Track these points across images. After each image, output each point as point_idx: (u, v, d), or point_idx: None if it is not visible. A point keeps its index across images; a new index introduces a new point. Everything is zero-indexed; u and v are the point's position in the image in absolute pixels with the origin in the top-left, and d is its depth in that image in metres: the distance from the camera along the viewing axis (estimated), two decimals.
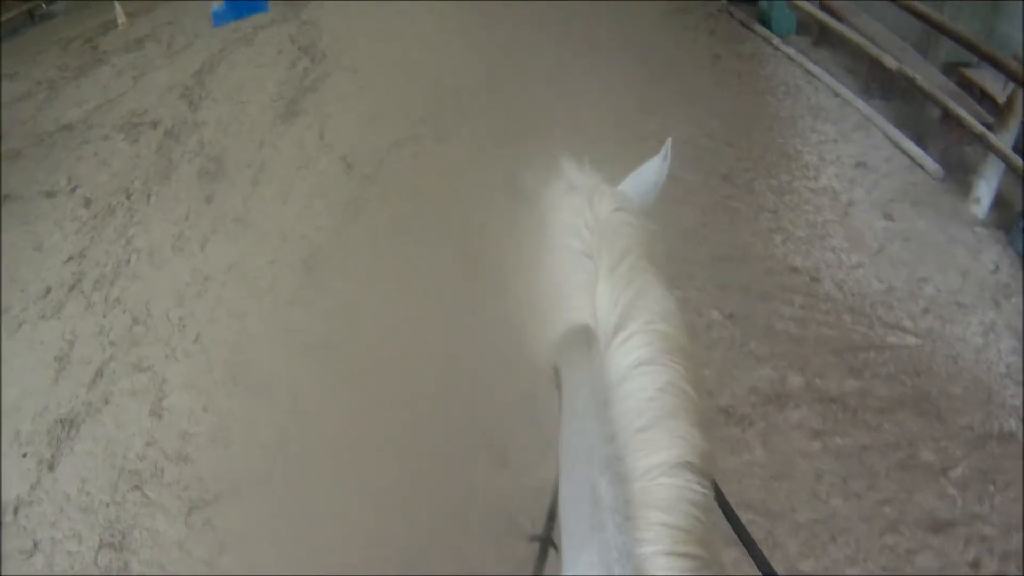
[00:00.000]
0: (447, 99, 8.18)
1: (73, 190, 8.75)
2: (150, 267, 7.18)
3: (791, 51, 8.94)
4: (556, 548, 2.00)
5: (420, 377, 5.18)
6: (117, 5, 13.69)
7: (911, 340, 5.46)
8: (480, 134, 7.35)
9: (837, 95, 8.07)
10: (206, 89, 10.03)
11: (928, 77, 7.17)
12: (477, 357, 4.96)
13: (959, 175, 6.78)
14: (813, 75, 8.45)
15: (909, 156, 7.13)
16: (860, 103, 7.80)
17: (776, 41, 9.21)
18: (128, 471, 5.38)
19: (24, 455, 5.65)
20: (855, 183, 6.94)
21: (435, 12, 10.72)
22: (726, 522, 1.80)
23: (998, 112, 6.37)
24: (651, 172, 1.98)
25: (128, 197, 8.26)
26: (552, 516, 2.17)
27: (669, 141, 1.98)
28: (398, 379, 5.23)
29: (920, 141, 7.24)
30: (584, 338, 1.46)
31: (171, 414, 5.72)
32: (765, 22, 9.68)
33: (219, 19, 12.09)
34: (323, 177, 7.59)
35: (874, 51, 7.49)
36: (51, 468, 5.51)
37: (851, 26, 8.41)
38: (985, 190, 6.37)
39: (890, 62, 7.20)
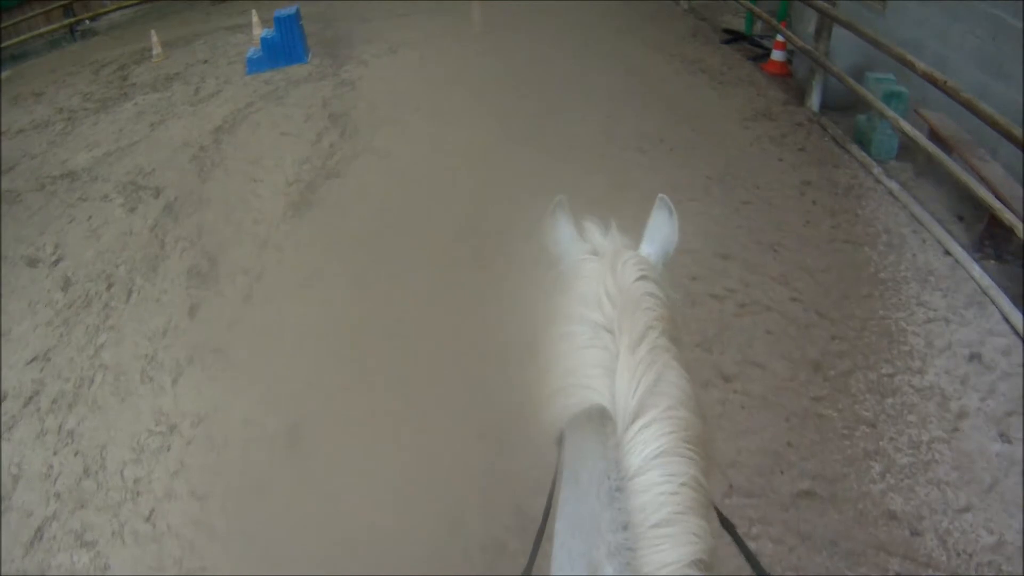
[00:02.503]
0: (492, 208, 6.96)
1: (56, 263, 7.82)
2: (114, 395, 6.12)
3: (894, 186, 7.67)
4: None
5: None
6: (154, 35, 12.95)
7: None
8: (526, 267, 6.11)
9: (948, 253, 6.77)
10: (221, 153, 8.95)
11: None
12: None
13: None
14: (920, 222, 7.17)
15: None
16: (975, 268, 6.54)
17: (876, 170, 7.94)
18: None
19: None
20: (968, 384, 5.66)
21: (486, 82, 9.57)
22: None
23: None
24: (664, 231, 1.93)
25: (108, 287, 7.24)
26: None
27: (665, 198, 1.98)
28: None
29: None
30: (599, 418, 1.45)
31: None
32: (863, 142, 8.40)
33: (253, 67, 11.00)
34: (327, 305, 6.41)
35: (1005, 215, 6.18)
36: None
37: (962, 162, 7.11)
38: None
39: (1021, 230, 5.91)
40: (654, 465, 1.35)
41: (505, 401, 5.01)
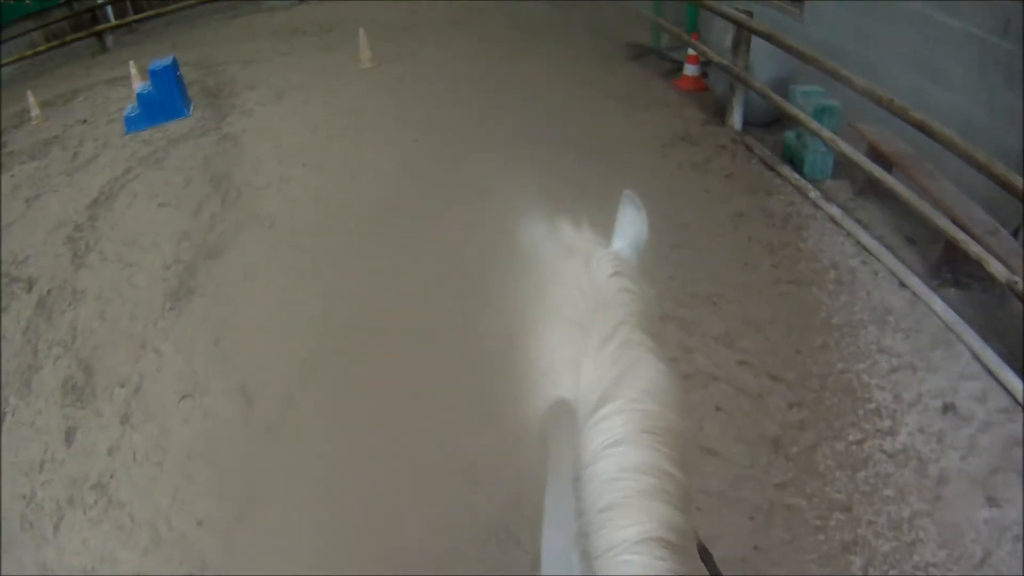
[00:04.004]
0: (389, 289, 6.16)
1: None
2: None
3: (835, 211, 7.04)
4: None
5: None
6: (30, 96, 12.00)
7: None
8: (430, 359, 5.34)
9: (904, 285, 6.17)
10: (96, 232, 8.04)
11: (1020, 266, 5.36)
12: None
13: None
14: (868, 251, 6.55)
15: (1006, 389, 5.25)
16: (936, 301, 5.94)
17: (813, 194, 7.30)
18: None
19: None
20: (944, 442, 5.04)
21: (377, 126, 8.81)
22: None
23: None
24: (634, 226, 1.88)
25: None
26: None
27: (631, 193, 1.93)
28: None
29: (1013, 359, 5.42)
30: (568, 414, 1.44)
31: None
32: (794, 161, 7.77)
33: (131, 125, 10.10)
34: (212, 420, 5.58)
35: (972, 248, 5.58)
36: None
37: (908, 180, 6.53)
38: None
39: (996, 269, 5.32)
40: (605, 454, 1.34)
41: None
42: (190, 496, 5.10)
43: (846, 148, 6.85)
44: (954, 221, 5.90)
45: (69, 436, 5.83)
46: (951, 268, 6.20)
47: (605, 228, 1.84)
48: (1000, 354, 5.47)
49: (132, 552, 4.90)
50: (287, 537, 4.64)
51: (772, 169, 7.84)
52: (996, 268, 5.32)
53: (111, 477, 5.40)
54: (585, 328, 1.49)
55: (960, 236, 5.67)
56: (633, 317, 1.53)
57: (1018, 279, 5.14)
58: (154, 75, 10.08)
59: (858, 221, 6.92)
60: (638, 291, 1.61)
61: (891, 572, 4.37)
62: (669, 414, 1.40)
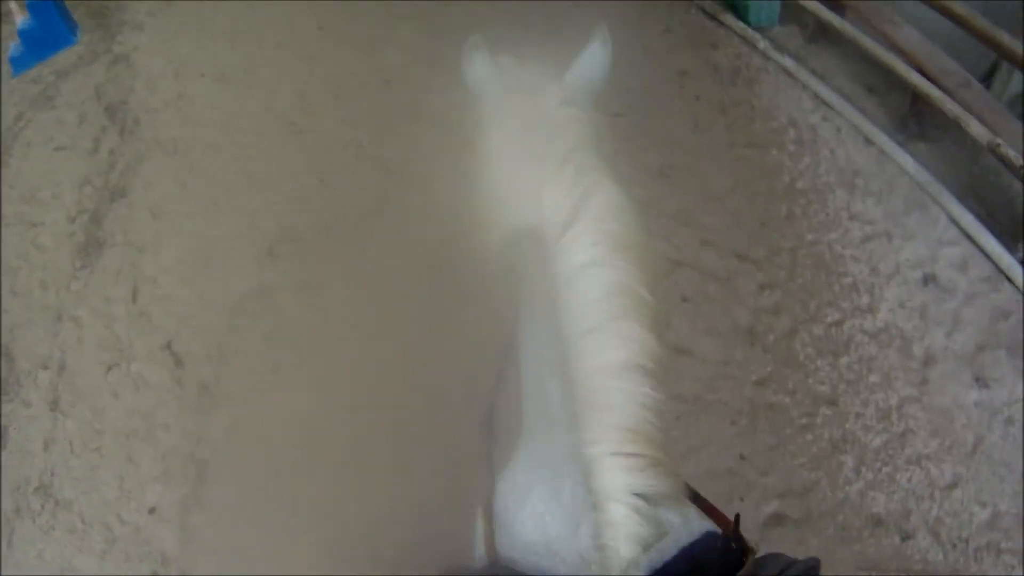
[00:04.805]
0: (311, 204, 5.61)
1: None
2: None
3: (788, 62, 6.47)
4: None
5: None
6: None
7: None
8: (366, 266, 4.86)
9: (869, 141, 5.75)
10: None
11: (998, 123, 4.99)
12: None
13: None
14: (827, 104, 6.05)
15: (988, 256, 4.98)
16: (907, 160, 5.52)
17: (762, 44, 6.70)
18: None
19: None
20: (927, 316, 4.78)
21: (272, 21, 7.94)
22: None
23: None
24: (593, 59, 1.87)
25: None
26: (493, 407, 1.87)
27: (605, 29, 1.88)
28: None
29: (992, 222, 5.12)
30: (534, 241, 1.48)
31: None
32: (737, 9, 7.16)
33: (18, 66, 9.00)
34: (142, 389, 4.97)
35: (954, 112, 5.12)
36: None
37: (864, 26, 6.05)
38: None
39: (977, 132, 4.89)
40: (582, 275, 1.39)
41: None
42: (136, 482, 4.61)
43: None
44: (920, 71, 5.45)
45: (3, 436, 5.26)
46: (918, 121, 5.78)
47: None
48: (979, 216, 5.14)
49: (89, 556, 4.49)
50: (243, 512, 4.23)
51: (714, 19, 7.19)
52: (976, 130, 4.89)
53: (52, 475, 4.85)
54: (538, 157, 1.52)
55: (932, 92, 5.23)
56: (586, 143, 1.57)
57: (1000, 140, 4.73)
58: (32, 7, 9.08)
59: (813, 72, 6.38)
60: (588, 119, 1.64)
61: (884, 468, 4.19)
62: (634, 235, 1.46)
